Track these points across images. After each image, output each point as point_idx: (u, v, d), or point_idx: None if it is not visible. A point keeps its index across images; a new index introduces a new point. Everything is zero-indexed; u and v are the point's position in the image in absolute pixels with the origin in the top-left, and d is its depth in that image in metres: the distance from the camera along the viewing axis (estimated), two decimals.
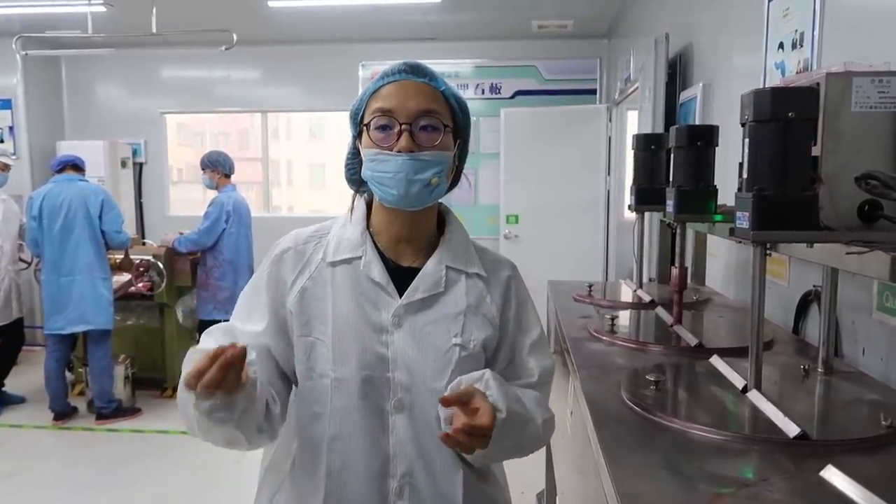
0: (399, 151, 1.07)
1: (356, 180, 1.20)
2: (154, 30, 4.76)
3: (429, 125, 1.09)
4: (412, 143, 1.07)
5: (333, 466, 1.09)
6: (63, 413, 4.41)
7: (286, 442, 1.17)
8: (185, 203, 6.85)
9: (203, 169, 4.74)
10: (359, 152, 1.17)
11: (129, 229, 5.87)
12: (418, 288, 1.12)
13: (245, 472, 3.67)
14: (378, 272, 1.12)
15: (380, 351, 1.09)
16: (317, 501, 1.09)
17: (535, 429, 1.12)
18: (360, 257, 1.13)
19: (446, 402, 1.00)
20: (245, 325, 1.15)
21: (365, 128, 1.11)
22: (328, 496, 1.09)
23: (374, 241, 1.16)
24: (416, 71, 1.12)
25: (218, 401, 0.95)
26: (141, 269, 4.69)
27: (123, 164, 6.34)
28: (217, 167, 4.71)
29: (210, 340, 1.09)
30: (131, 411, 4.50)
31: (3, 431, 4.32)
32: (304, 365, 1.12)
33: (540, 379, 1.18)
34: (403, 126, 1.07)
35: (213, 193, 4.77)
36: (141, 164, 6.61)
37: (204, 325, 4.55)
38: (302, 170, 7.67)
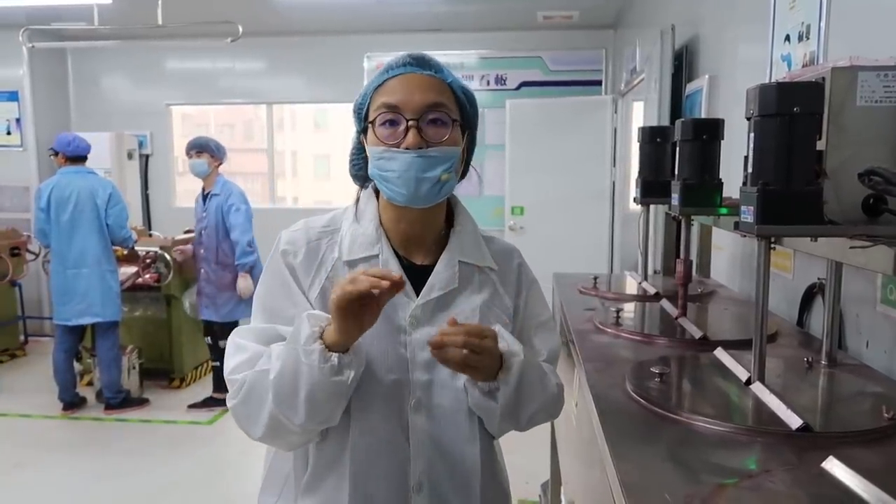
0: (407, 148, 1.04)
1: (361, 176, 1.18)
2: (160, 22, 4.77)
3: (437, 119, 1.06)
4: (420, 140, 1.04)
5: (356, 467, 1.09)
6: (72, 403, 4.46)
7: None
8: (190, 194, 6.83)
9: (199, 152, 4.27)
10: (363, 148, 1.15)
11: (136, 221, 5.91)
12: (434, 287, 1.11)
13: (252, 463, 3.69)
14: (396, 272, 1.08)
15: (399, 352, 1.09)
16: (341, 502, 1.09)
17: (551, 385, 1.16)
18: (377, 255, 1.12)
19: (454, 324, 1.00)
20: (285, 320, 1.08)
21: (370, 125, 1.08)
22: (353, 497, 1.08)
23: (387, 238, 1.14)
24: (421, 63, 1.09)
25: (349, 355, 0.99)
26: (148, 260, 4.72)
27: (129, 156, 6.37)
28: (217, 154, 4.33)
29: (248, 351, 1.07)
30: (139, 402, 4.54)
31: (13, 421, 4.38)
32: None
33: (548, 358, 1.20)
34: (410, 122, 1.04)
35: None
36: (147, 156, 6.63)
37: (229, 328, 4.25)
38: (306, 161, 7.66)
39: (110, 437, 4.09)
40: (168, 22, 4.80)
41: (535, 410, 1.13)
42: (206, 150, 4.29)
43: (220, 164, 4.38)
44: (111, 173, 5.87)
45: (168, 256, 4.72)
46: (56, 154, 4.37)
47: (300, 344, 0.99)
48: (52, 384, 4.47)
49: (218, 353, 4.37)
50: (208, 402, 4.48)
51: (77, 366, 4.73)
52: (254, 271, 4.29)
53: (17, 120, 6.34)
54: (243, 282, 4.28)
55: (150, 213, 6.69)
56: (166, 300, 4.88)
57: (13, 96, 6.28)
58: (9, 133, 6.36)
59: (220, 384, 4.39)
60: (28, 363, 5.62)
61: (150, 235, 5.54)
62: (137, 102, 6.56)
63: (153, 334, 4.93)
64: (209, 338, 4.53)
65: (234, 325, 4.31)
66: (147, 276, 4.75)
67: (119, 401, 4.43)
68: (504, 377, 1.06)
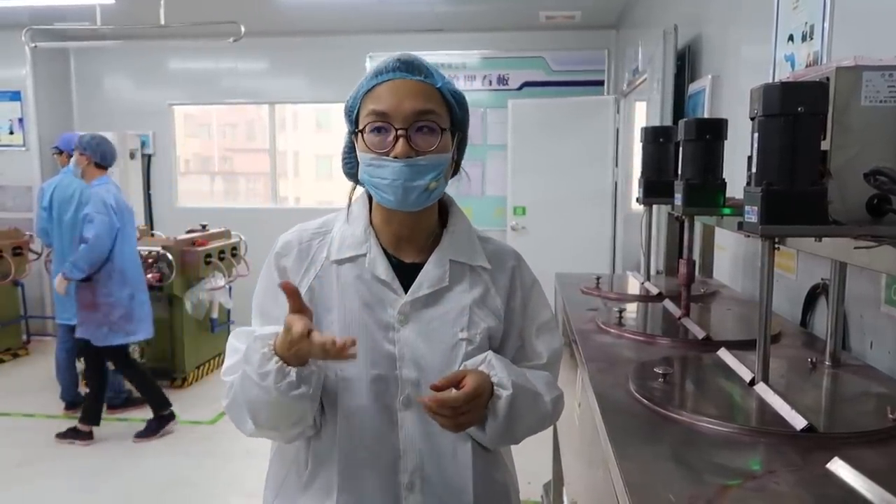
0: (395, 157, 1.05)
1: (354, 174, 1.20)
2: (162, 22, 4.78)
3: (425, 127, 1.07)
4: (409, 149, 1.05)
5: (345, 465, 1.09)
6: (74, 403, 4.46)
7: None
8: (193, 194, 6.88)
9: (58, 153, 3.93)
10: (354, 147, 1.16)
11: (138, 220, 5.90)
12: (423, 284, 1.12)
13: (253, 462, 3.70)
14: (383, 269, 1.12)
15: (387, 348, 1.10)
16: (330, 500, 1.10)
17: (544, 405, 1.15)
18: (364, 255, 1.13)
19: (437, 389, 1.01)
20: (275, 321, 1.10)
21: (360, 132, 1.09)
22: (341, 494, 1.09)
23: (377, 238, 1.15)
24: (410, 67, 1.09)
25: (308, 367, 1.01)
26: (150, 260, 4.71)
27: (132, 156, 6.37)
28: (86, 151, 3.86)
29: (240, 353, 1.11)
30: (141, 401, 4.52)
31: (16, 421, 4.38)
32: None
33: (549, 360, 1.20)
34: (399, 131, 1.05)
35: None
36: (149, 156, 6.64)
37: (105, 352, 3.93)
38: (308, 161, 7.66)
39: (112, 437, 4.09)
40: (170, 22, 4.81)
41: (527, 430, 1.16)
42: (64, 149, 3.87)
43: (78, 158, 3.88)
44: (113, 173, 5.86)
45: (170, 256, 4.72)
46: (59, 153, 4.37)
47: (254, 369, 1.01)
48: (55, 384, 4.48)
49: (89, 375, 4.05)
50: (69, 434, 4.00)
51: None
52: (95, 291, 3.84)
53: (20, 120, 6.35)
54: (60, 281, 3.85)
55: (153, 212, 6.70)
56: (168, 300, 4.88)
57: (16, 96, 6.30)
58: (11, 133, 6.38)
59: (86, 414, 4.00)
60: (30, 362, 5.63)
61: (153, 235, 5.55)
62: (140, 102, 6.56)
63: (155, 334, 4.91)
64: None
65: (103, 350, 3.92)
66: (149, 275, 4.74)
67: (121, 401, 4.43)
68: (493, 411, 1.07)
